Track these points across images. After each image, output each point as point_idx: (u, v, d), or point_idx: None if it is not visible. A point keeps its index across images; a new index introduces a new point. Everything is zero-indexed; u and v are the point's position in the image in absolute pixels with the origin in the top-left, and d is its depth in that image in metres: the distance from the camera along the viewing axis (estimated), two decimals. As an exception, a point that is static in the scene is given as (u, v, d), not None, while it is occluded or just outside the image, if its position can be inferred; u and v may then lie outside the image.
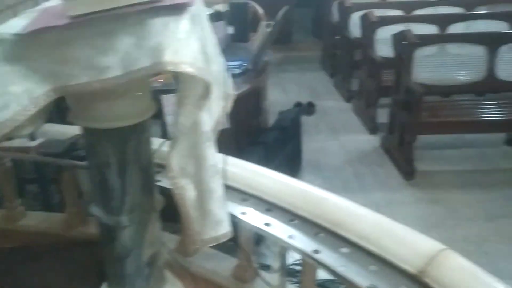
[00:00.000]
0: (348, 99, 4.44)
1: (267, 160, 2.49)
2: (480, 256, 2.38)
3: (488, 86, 3.37)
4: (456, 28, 4.00)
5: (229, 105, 1.44)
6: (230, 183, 1.50)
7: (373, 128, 3.79)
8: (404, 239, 1.30)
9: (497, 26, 3.99)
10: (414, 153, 3.17)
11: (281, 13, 2.55)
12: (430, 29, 4.01)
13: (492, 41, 3.28)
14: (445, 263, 1.18)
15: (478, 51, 3.34)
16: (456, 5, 4.63)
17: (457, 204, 2.83)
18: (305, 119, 4.07)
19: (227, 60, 2.70)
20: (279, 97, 4.62)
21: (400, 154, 3.21)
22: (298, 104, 4.28)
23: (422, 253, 1.22)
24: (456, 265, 1.18)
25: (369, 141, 3.70)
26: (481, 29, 3.89)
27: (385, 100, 3.65)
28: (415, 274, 1.18)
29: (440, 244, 1.25)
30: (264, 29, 2.54)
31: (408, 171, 3.11)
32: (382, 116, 3.66)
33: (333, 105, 4.44)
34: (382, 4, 4.76)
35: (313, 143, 3.66)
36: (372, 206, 2.85)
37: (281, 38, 6.25)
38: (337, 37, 4.75)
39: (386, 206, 2.83)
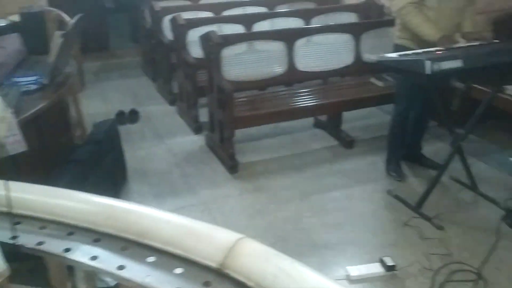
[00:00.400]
0: (172, 102, 4.46)
1: (82, 178, 2.35)
2: (297, 232, 2.63)
3: (291, 77, 3.72)
4: (262, 26, 4.33)
5: (5, 128, 1.30)
6: (20, 211, 1.36)
7: (197, 128, 3.88)
8: (205, 236, 1.33)
9: (295, 23, 4.45)
10: (235, 147, 3.34)
11: (73, 21, 2.40)
12: (238, 28, 4.28)
13: (289, 37, 3.62)
14: (241, 252, 1.25)
15: (280, 46, 3.65)
16: (261, 5, 5.02)
17: (277, 189, 3.08)
18: (129, 127, 3.98)
19: (22, 75, 2.47)
20: (100, 107, 4.42)
21: (223, 150, 3.35)
22: (121, 113, 4.15)
23: (221, 246, 1.27)
24: (250, 251, 1.26)
25: (195, 141, 3.78)
26: (282, 25, 4.29)
27: (204, 100, 3.77)
28: (217, 268, 1.23)
29: (237, 234, 1.31)
30: (58, 39, 2.37)
31: (231, 165, 3.26)
32: (205, 115, 3.76)
33: (157, 109, 4.42)
34: (193, 6, 4.89)
35: (139, 150, 3.59)
36: (201, 205, 2.95)
37: (97, 46, 5.98)
38: (153, 41, 4.73)
39: (213, 202, 2.92)
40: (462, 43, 2.79)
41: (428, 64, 2.24)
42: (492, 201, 2.86)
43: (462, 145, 2.83)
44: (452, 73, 2.36)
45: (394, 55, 2.56)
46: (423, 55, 2.38)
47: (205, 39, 3.27)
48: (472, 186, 2.99)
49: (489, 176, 3.17)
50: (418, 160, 3.36)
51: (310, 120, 4.01)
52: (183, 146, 3.70)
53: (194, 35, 3.86)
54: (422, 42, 2.78)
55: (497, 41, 2.88)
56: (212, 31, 3.24)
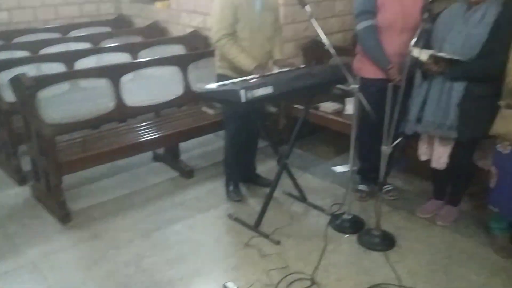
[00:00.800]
0: (-12, 153, 3.95)
1: None
2: (140, 274, 2.51)
3: (122, 113, 3.60)
4: (87, 63, 4.13)
5: None
6: None
7: (21, 179, 3.50)
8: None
9: (122, 57, 4.35)
10: (66, 195, 3.09)
11: None
12: (59, 67, 4.01)
13: (114, 72, 3.52)
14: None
15: (105, 82, 3.52)
16: (85, 40, 4.80)
17: (116, 232, 2.93)
18: None
19: None
20: None
21: (51, 200, 3.07)
22: None
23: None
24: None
25: (19, 194, 3.40)
26: (109, 61, 4.15)
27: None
28: None
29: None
30: None
31: (62, 215, 3.00)
32: (29, 163, 3.40)
33: (-30, 164, 3.87)
34: (4, 46, 4.45)
35: None
36: (29, 265, 2.64)
37: None
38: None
39: (44, 260, 2.64)
40: (275, 70, 3.05)
41: (242, 93, 2.38)
42: (320, 209, 3.15)
43: (287, 161, 3.06)
44: (264, 99, 2.55)
45: (213, 85, 2.67)
46: (238, 85, 2.52)
47: (15, 82, 2.98)
48: (302, 197, 3.26)
49: (316, 186, 3.50)
50: (254, 180, 3.54)
51: (148, 155, 3.94)
52: (5, 202, 3.28)
53: (5, 78, 3.49)
54: (240, 71, 2.96)
55: (303, 66, 3.22)
56: (22, 74, 2.96)
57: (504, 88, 2.42)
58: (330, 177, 3.63)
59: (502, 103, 2.41)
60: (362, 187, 3.32)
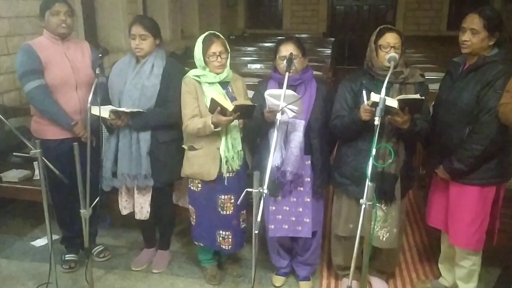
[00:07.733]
0: None
1: None
2: None
3: None
4: None
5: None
6: None
7: None
8: None
9: None
10: None
11: None
12: None
13: None
14: None
15: None
16: None
17: None
18: None
19: None
20: None
21: None
22: None
23: None
24: None
25: None
26: None
27: None
28: None
29: None
30: None
31: None
32: None
33: None
34: None
35: None
36: None
37: None
38: None
39: None
40: None
41: None
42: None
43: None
44: None
45: None
46: None
47: None
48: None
49: (14, 270, 2.96)
50: None
51: None
52: None
53: None
54: None
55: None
56: None
57: (184, 133, 2.64)
58: (30, 255, 3.14)
59: (185, 146, 2.62)
60: (69, 256, 3.00)
